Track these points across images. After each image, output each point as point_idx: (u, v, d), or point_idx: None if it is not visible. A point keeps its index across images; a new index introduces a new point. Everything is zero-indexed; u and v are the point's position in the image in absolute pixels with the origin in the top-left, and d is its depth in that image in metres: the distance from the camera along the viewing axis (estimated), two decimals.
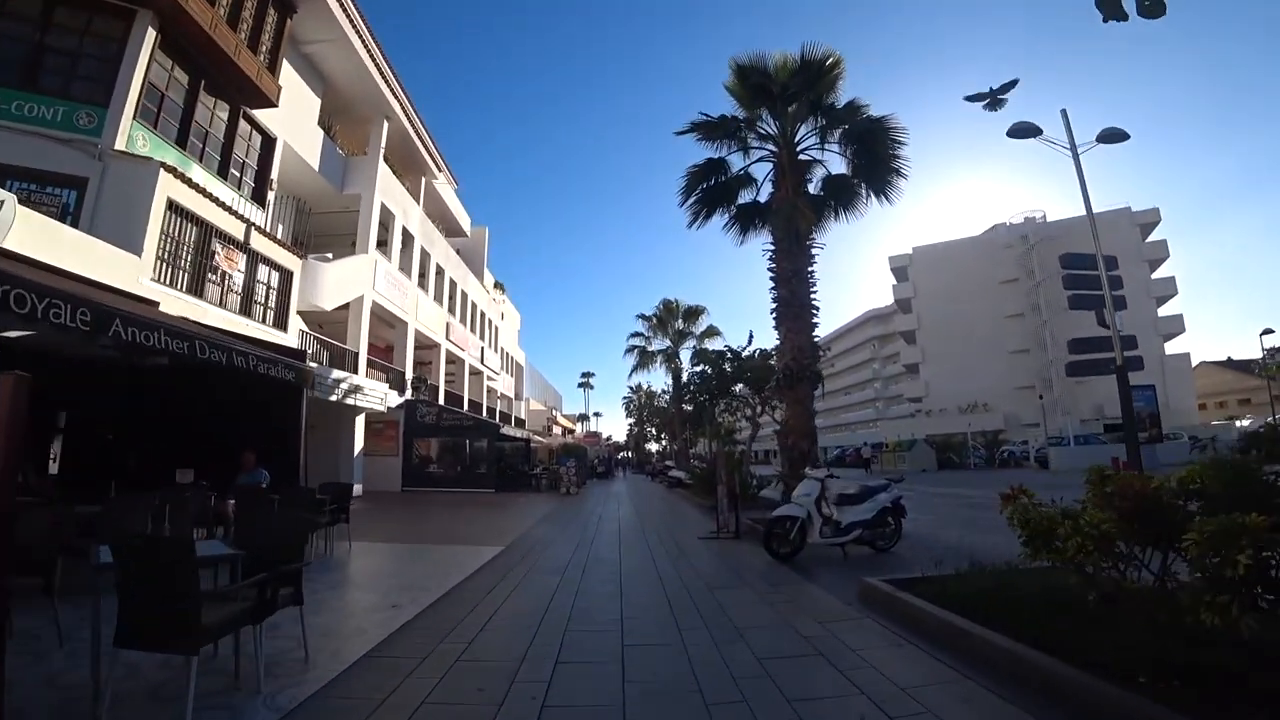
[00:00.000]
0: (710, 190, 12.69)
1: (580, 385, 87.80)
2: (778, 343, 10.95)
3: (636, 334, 29.23)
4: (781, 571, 6.91)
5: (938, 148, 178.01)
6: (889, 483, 8.17)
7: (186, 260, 12.46)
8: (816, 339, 10.84)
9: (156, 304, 10.59)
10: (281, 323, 15.36)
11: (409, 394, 22.98)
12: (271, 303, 15.20)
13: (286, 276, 15.66)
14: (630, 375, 28.93)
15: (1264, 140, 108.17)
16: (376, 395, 18.76)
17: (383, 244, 22.19)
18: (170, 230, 12.04)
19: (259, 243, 14.51)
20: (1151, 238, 55.68)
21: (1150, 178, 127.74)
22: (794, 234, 10.83)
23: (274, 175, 16.95)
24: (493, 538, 9.76)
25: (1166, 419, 50.66)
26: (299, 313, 18.65)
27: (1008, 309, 56.89)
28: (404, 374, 22.93)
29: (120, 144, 12.02)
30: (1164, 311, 54.75)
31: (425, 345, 26.91)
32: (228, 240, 13.47)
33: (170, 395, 9.58)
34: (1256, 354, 73.12)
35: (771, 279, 11.23)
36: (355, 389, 17.37)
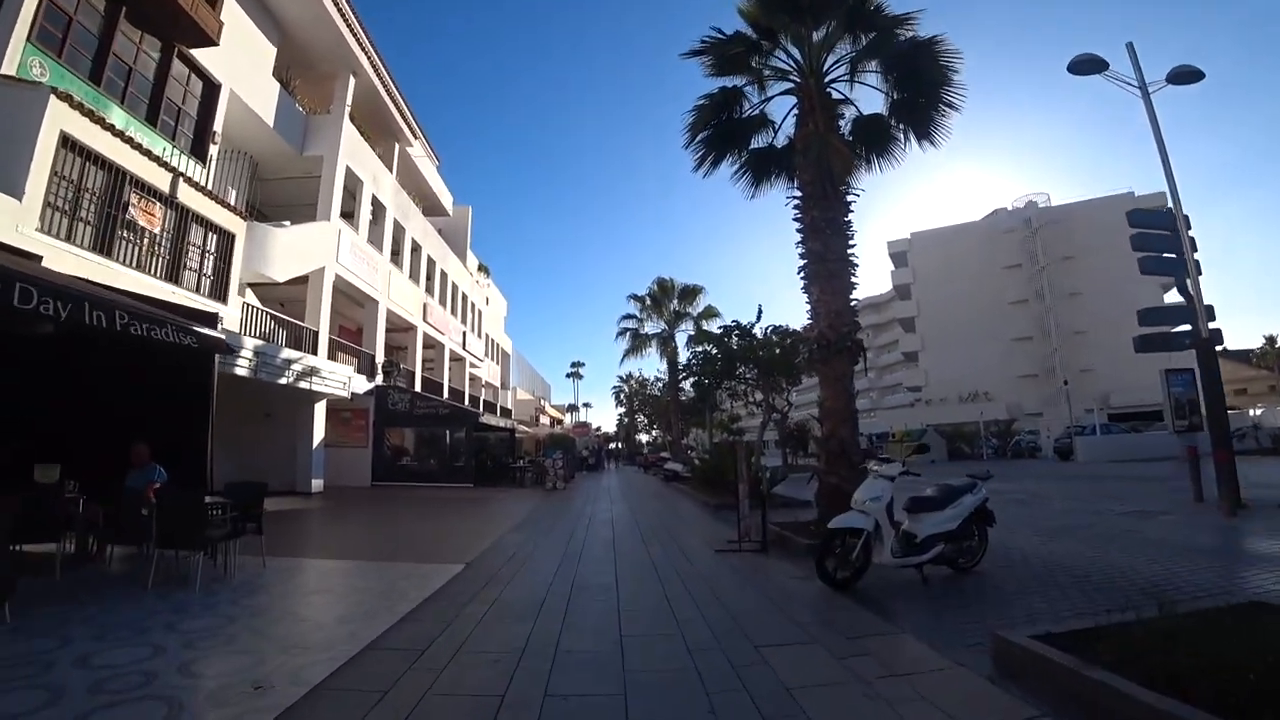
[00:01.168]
0: (721, 129, 10.66)
1: (569, 375, 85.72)
2: (808, 308, 8.97)
3: (628, 316, 27.21)
4: (847, 609, 4.93)
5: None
6: (974, 481, 6.22)
7: (90, 210, 10.31)
8: (854, 303, 8.84)
9: (39, 258, 8.52)
10: (219, 293, 13.22)
11: (379, 380, 20.87)
12: (208, 269, 13.05)
13: (226, 240, 13.50)
14: (622, 361, 26.86)
15: (1249, 130, 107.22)
16: (337, 380, 16.66)
17: (349, 215, 20.03)
18: (66, 172, 9.88)
19: (190, 198, 12.36)
20: None
21: (1142, 163, 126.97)
22: (826, 175, 8.82)
23: (218, 128, 14.75)
24: (454, 550, 7.76)
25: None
26: (250, 285, 16.57)
27: (1010, 295, 55.28)
28: (374, 357, 20.81)
29: (8, 68, 9.86)
30: (1170, 298, 53.20)
31: (399, 328, 24.78)
32: (147, 191, 11.31)
33: (52, 371, 7.55)
34: (1250, 344, 72.22)
35: (799, 231, 9.23)
36: (310, 371, 15.25)
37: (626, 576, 6.19)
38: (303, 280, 17.48)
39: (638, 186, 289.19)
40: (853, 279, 8.90)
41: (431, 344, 27.94)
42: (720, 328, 13.50)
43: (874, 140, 10.55)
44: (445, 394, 27.56)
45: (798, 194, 9.55)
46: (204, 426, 7.41)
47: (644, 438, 62.28)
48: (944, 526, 5.76)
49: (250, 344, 12.97)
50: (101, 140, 10.46)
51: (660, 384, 34.53)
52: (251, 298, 16.47)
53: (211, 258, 13.14)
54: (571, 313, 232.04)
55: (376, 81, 21.07)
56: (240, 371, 12.61)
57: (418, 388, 24.10)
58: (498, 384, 43.48)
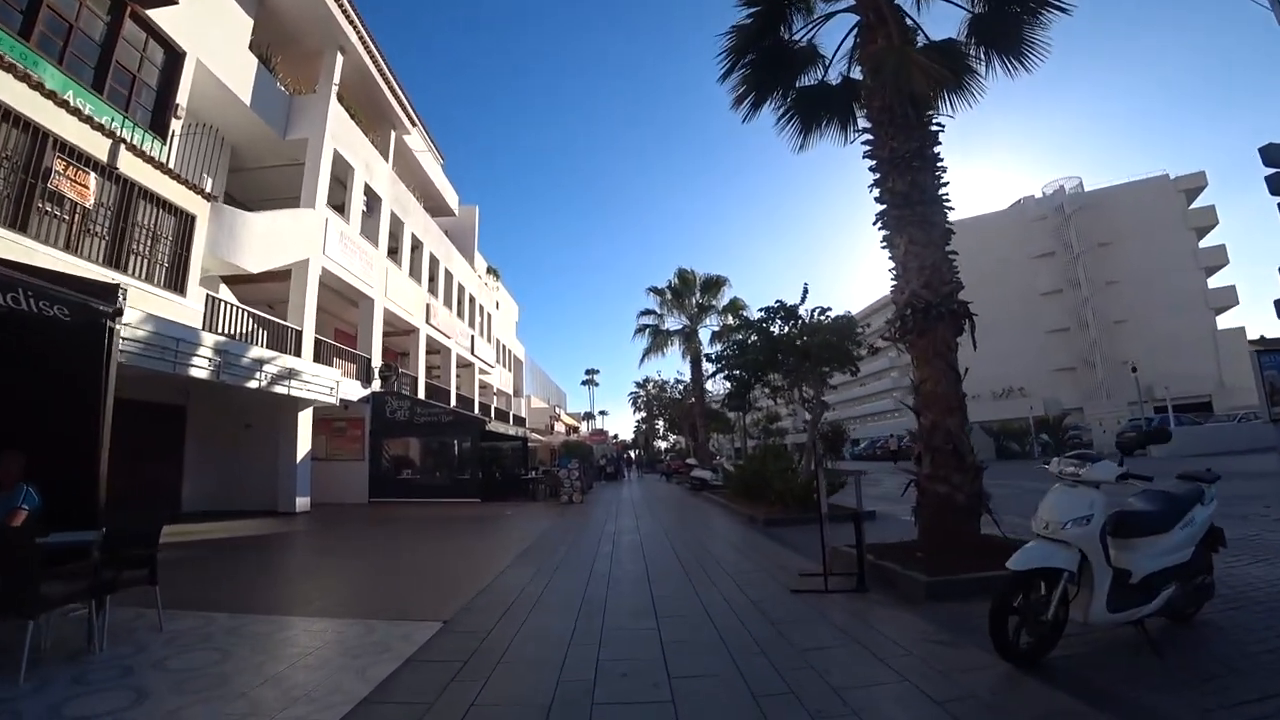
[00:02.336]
0: (764, 58, 8.69)
1: (584, 383, 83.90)
2: (891, 268, 6.94)
3: (647, 312, 25.08)
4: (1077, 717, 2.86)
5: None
6: (1199, 486, 4.14)
7: None
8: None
9: None
10: (176, 282, 11.40)
11: (376, 385, 19.01)
12: (162, 255, 11.23)
13: (185, 222, 11.69)
14: (641, 360, 24.77)
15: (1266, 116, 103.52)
16: (323, 384, 14.78)
17: (341, 208, 18.23)
18: None
19: (138, 170, 10.55)
20: (1197, 204, 51.37)
21: (1170, 148, 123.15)
22: (906, 97, 6.80)
23: (182, 101, 12.97)
24: (435, 597, 5.78)
25: (1223, 399, 46.65)
26: (226, 281, 14.81)
27: (1042, 285, 52.73)
28: (369, 361, 18.95)
29: None
30: (1214, 283, 50.47)
31: (400, 330, 22.95)
32: (77, 158, 9.49)
33: None
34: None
35: (873, 170, 7.20)
36: (289, 374, 13.38)
37: (677, 645, 4.10)
38: (283, 274, 15.67)
39: (652, 188, 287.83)
40: (948, 225, 6.85)
41: (436, 348, 26.10)
42: (761, 310, 11.50)
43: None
44: (453, 401, 25.71)
45: (868, 126, 7.53)
46: (94, 433, 5.47)
47: (662, 444, 60.16)
48: (1172, 558, 3.70)
49: (210, 340, 11.09)
50: (21, 96, 8.67)
51: (681, 386, 32.39)
52: (227, 294, 14.69)
53: (166, 242, 11.32)
54: (586, 320, 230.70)
55: (368, 60, 19.31)
56: (199, 373, 10.74)
57: (421, 394, 22.24)
58: (510, 391, 41.65)
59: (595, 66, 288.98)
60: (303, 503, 14.75)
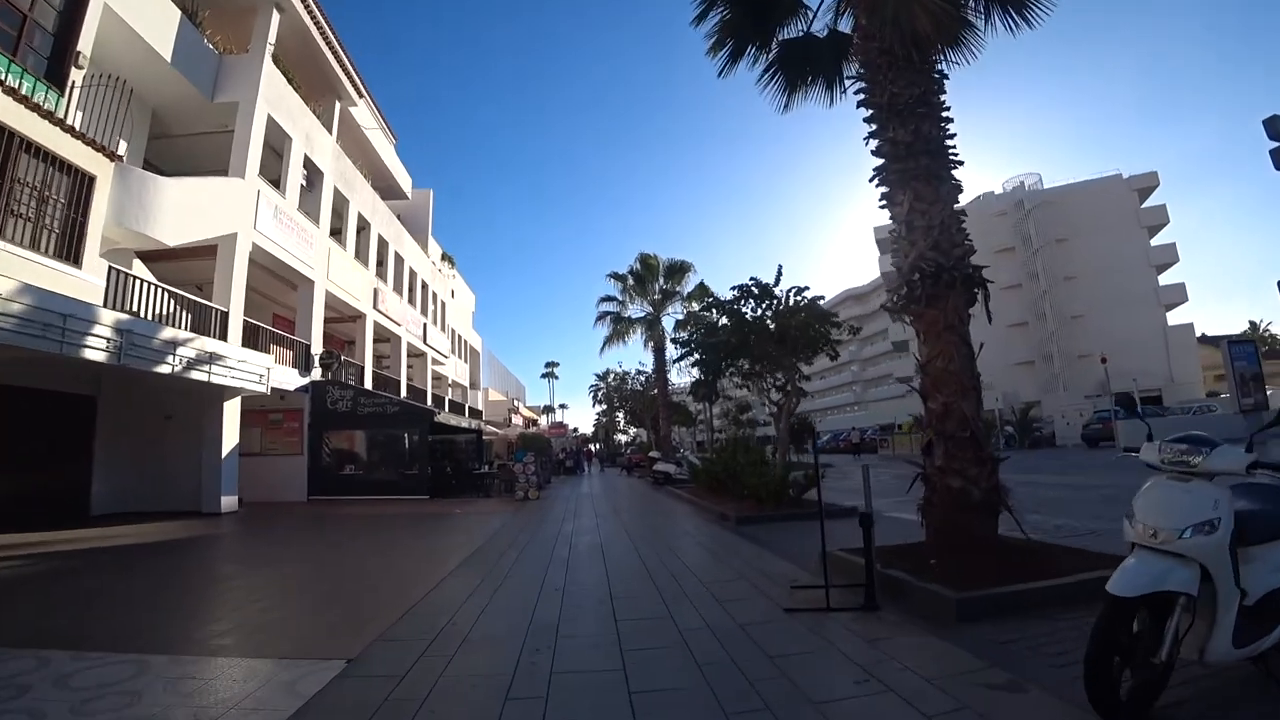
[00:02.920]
0: (742, 1, 7.72)
1: (544, 376, 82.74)
2: (892, 229, 6.06)
3: (608, 298, 23.91)
4: None
5: None
6: None
7: None
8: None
9: None
10: (69, 252, 9.95)
11: (316, 374, 17.58)
12: (52, 220, 9.77)
13: (82, 183, 10.23)
14: (602, 349, 23.75)
15: (1223, 121, 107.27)
16: (250, 371, 13.38)
17: (277, 182, 16.73)
18: None
19: (16, 117, 9.09)
20: (1149, 203, 52.40)
21: (1127, 146, 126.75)
22: (908, 37, 5.89)
23: (85, 49, 11.44)
24: (352, 619, 4.68)
25: (1171, 393, 47.68)
26: (142, 256, 13.31)
27: (1003, 279, 52.96)
28: (309, 347, 17.51)
29: None
30: (1165, 280, 51.57)
31: (345, 316, 21.48)
32: None
33: None
34: (1231, 330, 71.36)
35: (869, 121, 6.29)
36: (208, 359, 11.98)
37: (652, 702, 3.10)
38: (208, 250, 14.18)
39: (616, 179, 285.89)
40: (955, 181, 5.99)
41: (385, 336, 24.64)
42: (733, 289, 10.51)
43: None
44: (403, 392, 24.29)
45: (859, 74, 6.61)
46: None
47: (623, 437, 59.19)
48: None
49: (109, 317, 9.67)
50: None
51: (643, 377, 31.37)
52: (145, 271, 13.21)
53: (57, 205, 9.85)
54: (547, 312, 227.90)
55: (308, 21, 17.79)
56: (94, 355, 9.33)
57: (368, 384, 20.83)
58: (466, 384, 40.16)
59: (557, 49, 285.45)
60: (229, 502, 13.34)
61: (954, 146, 6.03)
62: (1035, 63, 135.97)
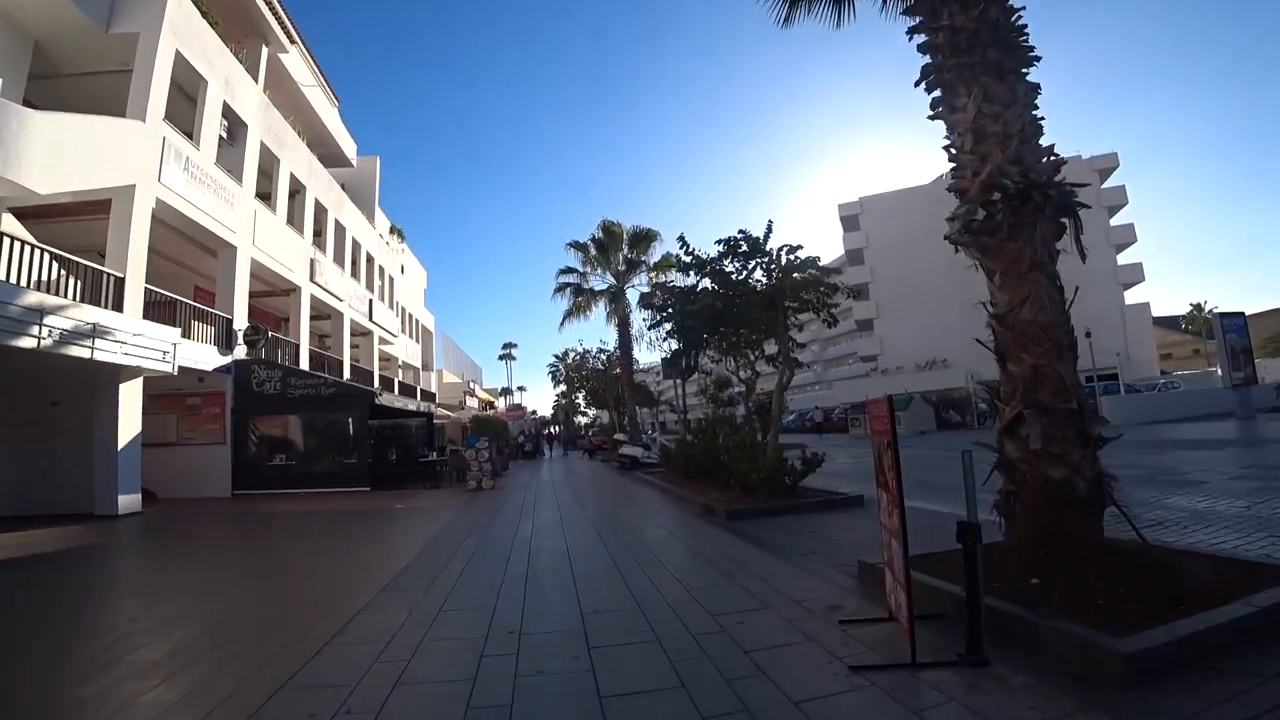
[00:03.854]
0: None
1: (502, 357, 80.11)
2: (952, 146, 4.67)
3: (568, 270, 22.03)
4: None
5: (881, 94, 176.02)
6: None
7: None
8: None
9: None
10: None
11: (241, 352, 15.58)
12: None
13: None
14: (562, 323, 21.91)
15: (1177, 101, 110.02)
16: (150, 347, 11.42)
17: (190, 133, 14.58)
18: None
19: None
20: (1109, 183, 52.73)
21: (1089, 126, 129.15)
22: None
23: None
24: (212, 691, 3.11)
25: (1128, 370, 48.28)
26: (18, 212, 11.26)
27: (966, 259, 52.70)
28: (230, 322, 15.47)
29: None
30: (1123, 259, 52.05)
31: (278, 289, 19.38)
32: None
33: None
34: (1177, 311, 73.34)
35: (914, 13, 4.85)
36: (89, 332, 10.02)
37: None
38: (99, 204, 12.11)
39: (576, 151, 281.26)
40: (1031, 81, 4.58)
41: (326, 312, 22.52)
42: (720, 243, 8.96)
43: None
44: (346, 373, 22.29)
45: None
46: None
47: (583, 420, 57.66)
48: None
49: None
50: None
51: (605, 355, 29.70)
52: (16, 228, 11.14)
53: None
54: (506, 292, 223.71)
55: None
56: None
57: (304, 364, 18.83)
58: (418, 365, 38.00)
59: (511, 10, 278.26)
60: (129, 502, 11.42)
61: (1029, 41, 4.60)
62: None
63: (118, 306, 11.59)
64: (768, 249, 9.02)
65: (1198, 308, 76.05)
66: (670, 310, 9.57)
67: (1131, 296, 51.87)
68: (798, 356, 9.66)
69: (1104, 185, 52.73)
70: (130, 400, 11.79)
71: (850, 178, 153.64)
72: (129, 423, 11.69)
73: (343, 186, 25.82)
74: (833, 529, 6.95)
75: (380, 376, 27.44)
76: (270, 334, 16.58)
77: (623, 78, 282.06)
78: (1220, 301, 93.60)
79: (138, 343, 11.01)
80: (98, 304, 11.06)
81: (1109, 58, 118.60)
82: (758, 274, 9.57)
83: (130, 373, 11.54)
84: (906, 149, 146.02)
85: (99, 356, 10.20)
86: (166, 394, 15.23)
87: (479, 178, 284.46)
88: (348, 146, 27.83)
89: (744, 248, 8.94)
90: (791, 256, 9.23)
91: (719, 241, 9.11)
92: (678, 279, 9.92)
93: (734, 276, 9.17)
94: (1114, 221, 52.37)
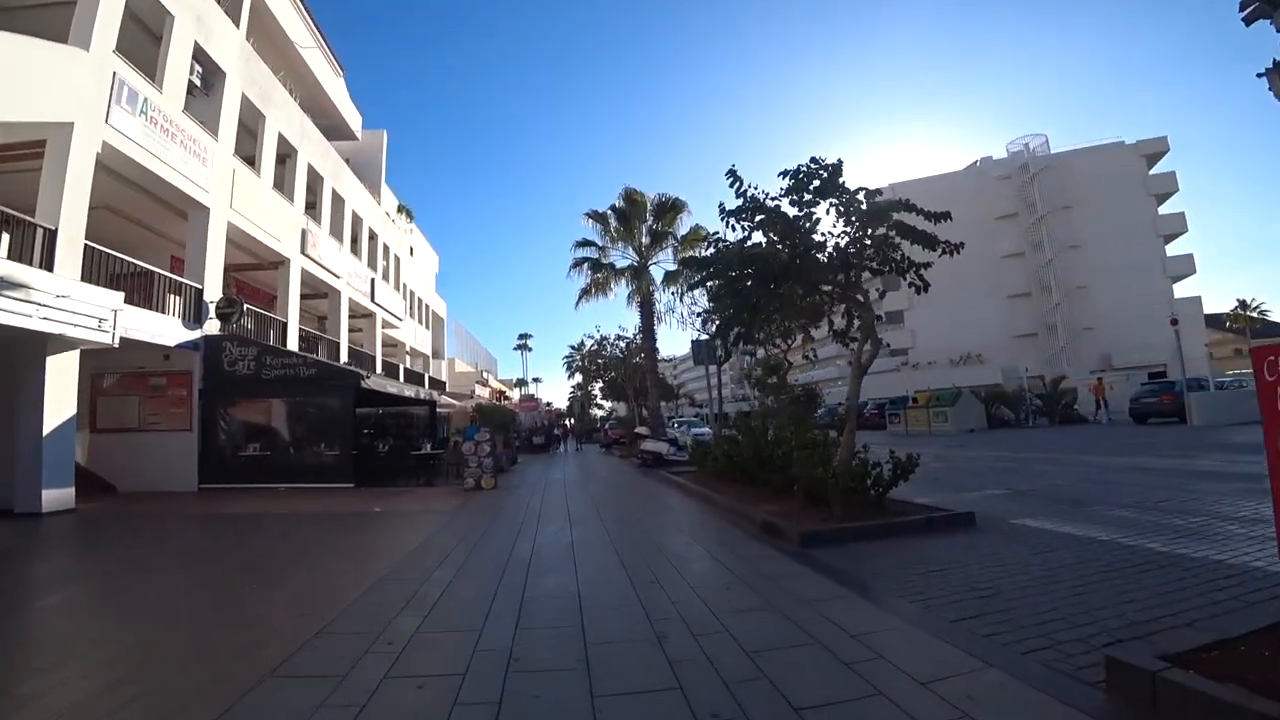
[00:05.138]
0: None
1: (517, 348, 78.40)
2: None
3: (586, 243, 19.69)
4: None
5: (911, 86, 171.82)
6: None
7: None
8: None
9: None
10: None
11: (211, 326, 13.68)
12: None
13: None
14: (578, 302, 19.65)
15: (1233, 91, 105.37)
16: (83, 313, 9.49)
17: (152, 76, 12.65)
18: None
19: None
20: (1158, 169, 49.58)
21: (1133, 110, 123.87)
22: None
23: None
24: None
25: (1177, 368, 45.40)
26: None
27: (1004, 248, 50.14)
28: (200, 292, 13.57)
29: None
30: (1173, 250, 48.98)
31: (264, 261, 17.50)
32: None
33: None
34: (1222, 309, 69.73)
35: None
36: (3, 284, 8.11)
37: None
38: (24, 148, 10.23)
39: (594, 132, 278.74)
40: None
41: (322, 290, 20.65)
42: (785, 175, 6.69)
43: None
44: (343, 357, 20.42)
45: None
46: None
47: (599, 412, 55.58)
48: None
49: None
50: None
51: (624, 343, 27.50)
52: None
53: None
54: (519, 286, 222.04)
55: None
56: None
57: (293, 344, 16.93)
58: (428, 352, 36.20)
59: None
60: (57, 498, 9.54)
61: None
62: (1049, 18, 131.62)
63: (48, 265, 9.68)
64: (845, 186, 6.86)
65: (1243, 304, 72.34)
66: (715, 267, 7.37)
67: (1182, 289, 48.80)
68: (872, 323, 7.44)
69: (1152, 171, 49.63)
70: (61, 377, 9.91)
71: (879, 163, 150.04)
72: (59, 404, 9.80)
73: (347, 161, 23.94)
74: (961, 565, 4.82)
75: (384, 362, 25.61)
76: (246, 307, 14.65)
77: (640, 63, 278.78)
78: (1269, 298, 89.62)
79: (63, 306, 9.07)
80: (26, 261, 9.18)
81: (1173, 31, 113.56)
82: (828, 223, 7.43)
83: (60, 344, 9.64)
84: (938, 135, 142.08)
85: (22, 324, 8.28)
86: (128, 373, 13.44)
87: (494, 169, 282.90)
88: (352, 118, 26.00)
89: (815, 183, 6.77)
90: (875, 201, 7.07)
91: (783, 173, 6.93)
92: (725, 232, 7.64)
93: (801, 224, 6.99)
94: (1163, 209, 49.24)
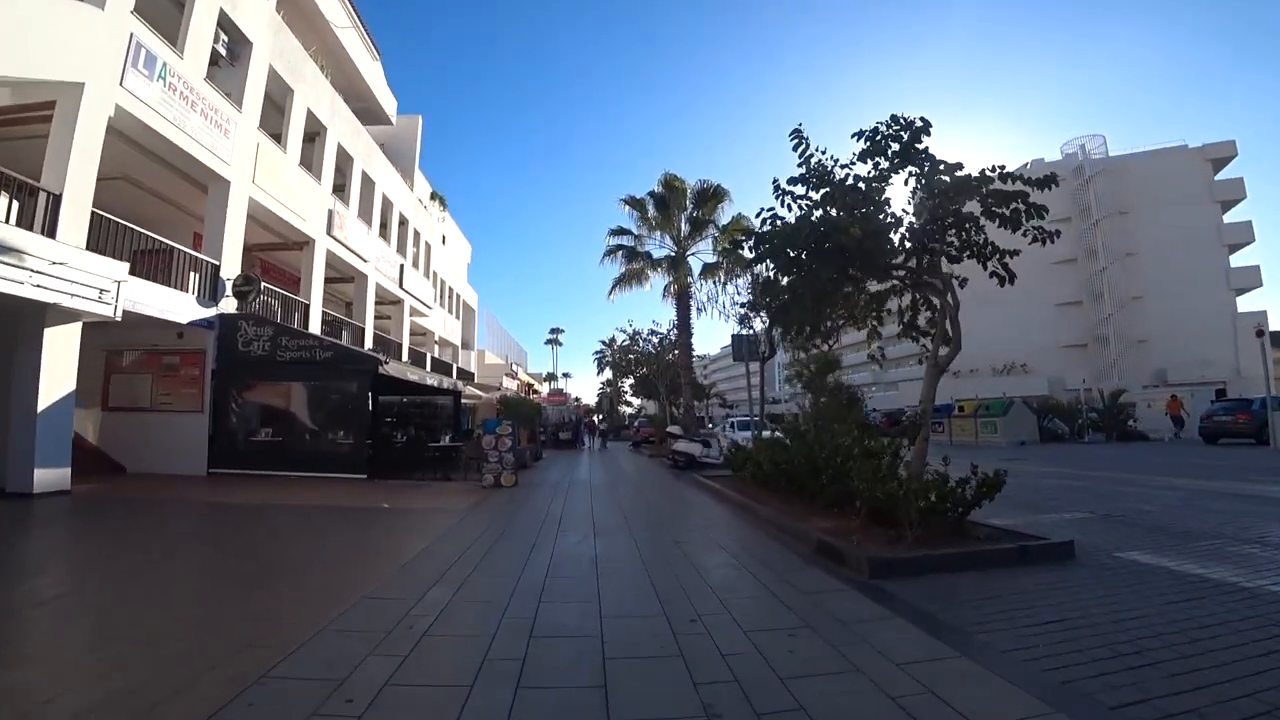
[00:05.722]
0: None
1: (548, 343, 78.04)
2: None
3: (620, 231, 18.84)
4: None
5: (960, 85, 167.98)
6: None
7: None
8: None
9: None
10: None
11: (228, 305, 13.10)
12: None
13: None
14: (611, 291, 18.72)
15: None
16: (83, 283, 8.86)
17: (174, 41, 12.07)
18: None
19: None
20: (1224, 174, 47.02)
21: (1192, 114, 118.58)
22: None
23: None
24: None
25: (1238, 387, 42.93)
26: None
27: (1054, 253, 47.81)
28: (218, 269, 12.99)
29: None
30: (1237, 261, 46.42)
31: (289, 241, 16.93)
32: None
33: None
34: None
35: None
36: None
37: None
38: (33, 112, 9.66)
39: (640, 123, 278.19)
40: None
41: (348, 273, 20.12)
42: (859, 136, 5.69)
43: None
44: (368, 343, 19.83)
45: None
46: None
47: (627, 409, 54.70)
48: None
49: None
50: None
51: (656, 338, 26.44)
52: None
53: None
54: (551, 281, 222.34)
55: None
56: None
57: (315, 328, 16.32)
58: (457, 342, 35.69)
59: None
60: (50, 478, 8.94)
61: None
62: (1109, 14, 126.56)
63: (50, 232, 9.09)
64: (928, 152, 5.83)
65: None
66: (773, 242, 6.36)
67: (1246, 303, 46.22)
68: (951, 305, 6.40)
69: (1218, 177, 47.09)
70: (60, 350, 9.32)
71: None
72: (57, 379, 9.21)
73: (381, 146, 23.41)
74: (1082, 614, 3.81)
75: (411, 350, 25.05)
76: (267, 287, 14.05)
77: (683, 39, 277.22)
78: None
79: (60, 274, 8.44)
80: (29, 228, 8.60)
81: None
82: (901, 199, 6.39)
83: (58, 315, 9.04)
84: (988, 136, 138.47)
85: (9, 290, 7.66)
86: (142, 350, 12.93)
87: (530, 163, 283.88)
88: (387, 102, 25.50)
89: (895, 146, 5.75)
90: (959, 175, 6.02)
91: (857, 134, 5.92)
92: (778, 209, 6.62)
93: (875, 195, 5.97)
94: (1228, 218, 46.71)
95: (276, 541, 6.57)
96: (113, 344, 12.87)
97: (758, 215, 6.82)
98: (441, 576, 4.81)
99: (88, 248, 9.59)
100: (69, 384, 9.48)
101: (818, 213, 6.53)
